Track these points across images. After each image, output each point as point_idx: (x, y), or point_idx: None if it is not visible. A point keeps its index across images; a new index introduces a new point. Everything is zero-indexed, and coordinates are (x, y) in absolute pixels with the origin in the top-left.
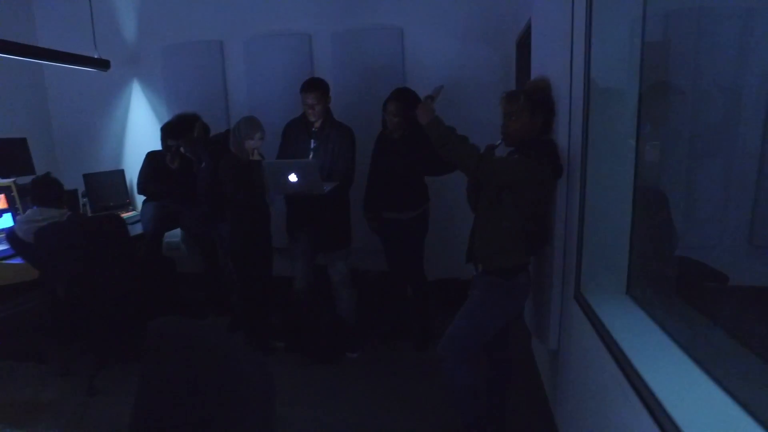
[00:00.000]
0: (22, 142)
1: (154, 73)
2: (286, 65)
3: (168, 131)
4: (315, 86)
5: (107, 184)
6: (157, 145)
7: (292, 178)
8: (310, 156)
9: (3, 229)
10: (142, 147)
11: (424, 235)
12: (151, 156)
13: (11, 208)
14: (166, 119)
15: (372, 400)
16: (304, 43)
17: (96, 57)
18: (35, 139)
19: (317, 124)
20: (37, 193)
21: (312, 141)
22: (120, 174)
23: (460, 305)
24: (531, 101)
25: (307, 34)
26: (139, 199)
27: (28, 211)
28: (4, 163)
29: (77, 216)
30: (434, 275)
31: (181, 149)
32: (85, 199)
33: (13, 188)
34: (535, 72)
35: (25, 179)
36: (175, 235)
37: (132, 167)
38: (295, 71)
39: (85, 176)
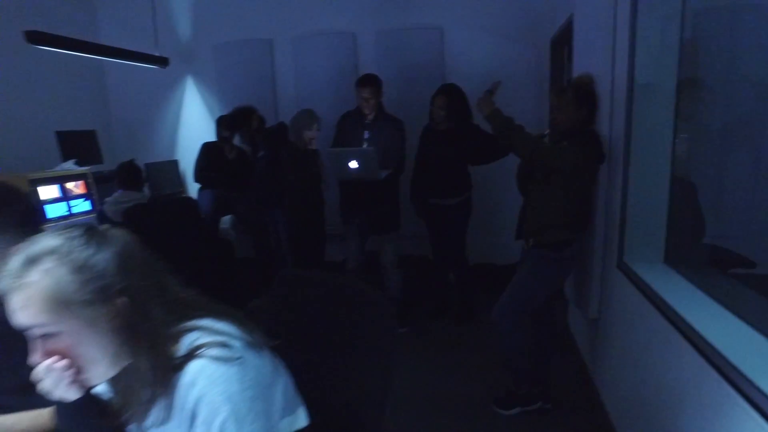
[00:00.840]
0: (92, 134)
1: (207, 70)
2: (331, 62)
3: (226, 123)
4: (370, 81)
5: (164, 173)
6: (210, 137)
7: (353, 164)
8: (364, 146)
9: (90, 211)
10: (195, 139)
11: (467, 220)
12: (206, 147)
13: (89, 194)
14: (218, 113)
15: (420, 368)
16: (348, 42)
17: (156, 55)
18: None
19: (370, 117)
20: (123, 177)
21: (365, 132)
22: (174, 164)
23: (497, 287)
24: (577, 95)
25: (352, 33)
26: (192, 187)
27: (115, 194)
28: (78, 154)
29: (158, 198)
30: (473, 260)
31: (235, 140)
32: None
33: (90, 176)
34: (578, 68)
35: (96, 168)
36: (224, 221)
37: (185, 157)
38: (340, 68)
39: (147, 165)
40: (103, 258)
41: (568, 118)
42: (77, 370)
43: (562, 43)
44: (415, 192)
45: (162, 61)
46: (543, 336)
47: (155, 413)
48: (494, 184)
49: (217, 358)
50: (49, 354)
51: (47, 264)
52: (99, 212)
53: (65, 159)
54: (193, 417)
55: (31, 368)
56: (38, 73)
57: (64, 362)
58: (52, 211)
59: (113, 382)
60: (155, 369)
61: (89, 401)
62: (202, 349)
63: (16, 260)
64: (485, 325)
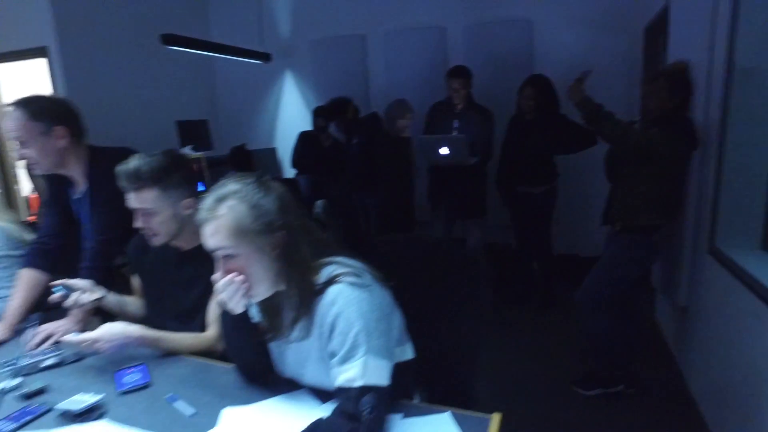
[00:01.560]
0: (205, 123)
1: (304, 65)
2: (421, 56)
3: (323, 113)
4: (461, 73)
5: (263, 159)
6: (306, 126)
7: (443, 150)
8: (454, 134)
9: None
10: (292, 128)
11: (552, 209)
12: (303, 135)
13: (201, 176)
14: (313, 105)
15: (502, 350)
16: (438, 36)
17: (261, 51)
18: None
19: (460, 107)
20: (236, 160)
21: (455, 121)
22: (272, 151)
23: (580, 278)
24: (669, 82)
25: (442, 27)
26: (289, 173)
27: (228, 176)
28: (193, 141)
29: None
30: (556, 250)
31: (330, 129)
32: None
33: (203, 160)
34: (673, 56)
35: (207, 153)
36: (315, 206)
37: (282, 145)
38: (429, 62)
39: (251, 152)
40: (269, 200)
41: (660, 104)
42: (248, 287)
43: (657, 31)
44: (501, 180)
45: (265, 57)
46: (628, 322)
47: (297, 331)
48: (580, 175)
49: (352, 284)
50: (228, 271)
51: (231, 202)
52: None
53: (183, 145)
54: (331, 329)
55: (187, 300)
56: (160, 69)
57: (241, 277)
58: None
59: (264, 304)
60: (302, 293)
61: (246, 317)
62: (340, 277)
63: (209, 199)
64: (567, 312)
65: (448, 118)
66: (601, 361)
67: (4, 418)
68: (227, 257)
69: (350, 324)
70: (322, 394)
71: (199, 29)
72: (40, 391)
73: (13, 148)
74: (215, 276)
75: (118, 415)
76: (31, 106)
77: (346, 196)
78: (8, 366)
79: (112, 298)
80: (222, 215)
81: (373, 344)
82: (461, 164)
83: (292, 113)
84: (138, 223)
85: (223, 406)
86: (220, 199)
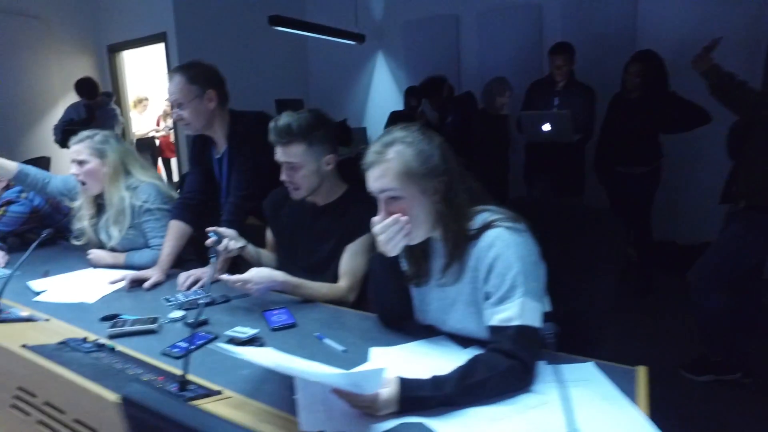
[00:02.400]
0: (300, 102)
1: (396, 46)
2: (516, 35)
3: (418, 92)
4: (564, 49)
5: (355, 138)
6: (396, 107)
7: (546, 127)
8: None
9: None
10: (382, 109)
11: (654, 191)
12: (394, 115)
13: None
14: (404, 85)
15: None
16: (534, 14)
17: (356, 32)
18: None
19: (561, 84)
20: (337, 135)
21: (555, 99)
22: (363, 130)
23: (677, 267)
24: None
25: (538, 4)
26: None
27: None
28: None
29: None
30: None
31: (422, 108)
32: None
33: None
34: None
35: None
36: None
37: (372, 125)
38: (524, 40)
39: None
40: (433, 146)
41: None
42: (409, 228)
43: None
44: (600, 159)
45: (359, 38)
46: (746, 308)
47: (447, 276)
48: (685, 156)
49: (510, 228)
50: (390, 213)
51: (399, 147)
52: None
53: None
54: (488, 271)
55: (320, 252)
56: (262, 50)
57: (405, 218)
58: None
59: (412, 250)
60: (457, 237)
61: (397, 261)
62: (496, 222)
63: (376, 144)
64: (666, 299)
65: (548, 96)
66: (714, 346)
67: (181, 340)
68: (391, 199)
69: (508, 266)
70: (463, 340)
71: (295, 11)
72: (204, 322)
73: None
74: (375, 218)
75: (274, 346)
76: (189, 71)
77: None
78: (171, 302)
79: (251, 249)
80: (390, 158)
81: (530, 286)
82: (564, 141)
83: (382, 93)
84: (283, 177)
85: (368, 347)
86: (388, 144)
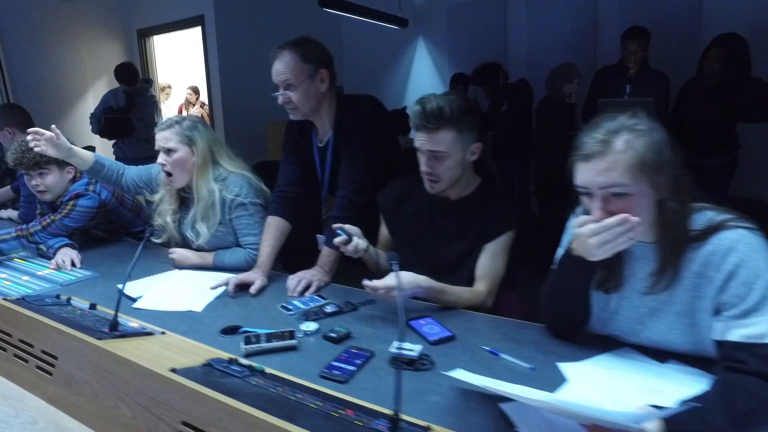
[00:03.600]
0: (340, 88)
1: (438, 31)
2: (567, 19)
3: (471, 78)
4: (639, 33)
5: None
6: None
7: None
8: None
9: None
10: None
11: (727, 184)
12: None
13: None
14: (446, 72)
15: None
16: None
17: (399, 16)
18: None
19: (633, 71)
20: (398, 123)
21: (627, 86)
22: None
23: None
24: None
25: None
26: None
27: None
28: None
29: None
30: None
31: (474, 96)
32: None
33: None
34: None
35: None
36: None
37: None
38: (577, 24)
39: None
40: (660, 136)
41: None
42: (638, 230)
43: None
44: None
45: (402, 22)
46: None
47: (659, 281)
48: (764, 146)
49: (751, 230)
50: (610, 212)
51: (627, 136)
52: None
53: None
54: (727, 279)
55: (450, 252)
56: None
57: (636, 219)
58: None
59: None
60: (679, 239)
61: (592, 265)
62: (729, 222)
63: (597, 132)
64: None
65: (619, 83)
66: None
67: (335, 360)
68: (615, 196)
69: (757, 274)
70: (656, 353)
71: None
72: (347, 336)
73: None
74: (584, 217)
75: (441, 364)
76: (302, 47)
77: (490, 160)
78: (291, 311)
79: (372, 249)
80: (620, 150)
81: None
82: None
83: (423, 81)
84: (423, 167)
85: (547, 360)
86: (614, 132)
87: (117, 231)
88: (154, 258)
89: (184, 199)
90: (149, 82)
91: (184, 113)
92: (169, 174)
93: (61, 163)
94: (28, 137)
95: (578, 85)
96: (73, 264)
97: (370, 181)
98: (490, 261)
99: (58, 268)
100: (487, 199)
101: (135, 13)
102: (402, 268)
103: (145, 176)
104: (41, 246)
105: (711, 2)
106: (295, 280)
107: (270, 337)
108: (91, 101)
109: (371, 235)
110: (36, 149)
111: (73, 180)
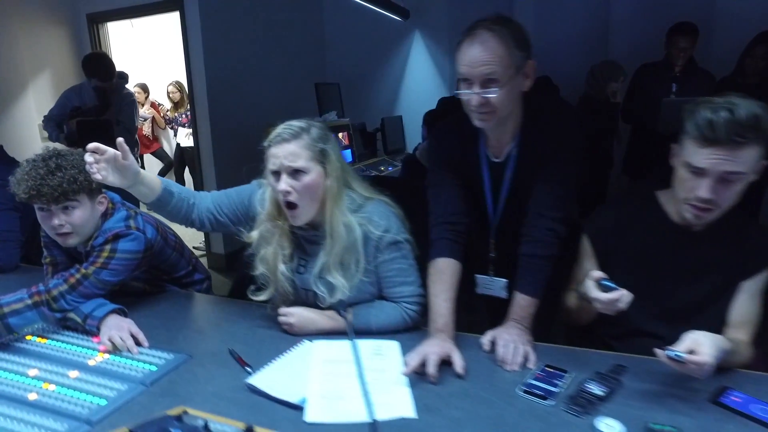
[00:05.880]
0: (337, 87)
1: (438, 24)
2: (579, 11)
3: None
4: (690, 30)
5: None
6: (436, 93)
7: None
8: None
9: (351, 163)
10: (418, 95)
11: (766, 185)
12: (444, 102)
13: (350, 145)
14: (446, 68)
15: None
16: None
17: (401, 5)
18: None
19: (678, 69)
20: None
21: (673, 85)
22: (398, 120)
23: None
24: None
25: None
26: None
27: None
28: (329, 105)
29: None
30: None
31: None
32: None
33: (351, 127)
34: None
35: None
36: None
37: (408, 114)
38: (588, 18)
39: (384, 119)
40: None
41: None
42: None
43: None
44: None
45: (404, 13)
46: None
47: None
48: None
49: None
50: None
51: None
52: (408, 157)
53: (322, 111)
54: None
55: (692, 292)
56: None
57: None
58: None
59: None
60: None
61: None
62: None
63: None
64: None
65: (663, 81)
66: None
67: None
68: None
69: None
70: None
71: None
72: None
73: None
74: None
75: None
76: (511, 28)
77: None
78: (544, 399)
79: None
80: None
81: None
82: None
83: (420, 78)
84: (702, 192)
85: None
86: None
87: (159, 278)
88: (248, 320)
89: (298, 239)
90: (124, 77)
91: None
92: (292, 206)
93: (93, 191)
94: (87, 157)
95: (623, 83)
96: (136, 342)
97: (575, 208)
98: (749, 303)
99: (114, 351)
100: (741, 226)
101: None
102: (625, 314)
103: (234, 206)
104: (71, 315)
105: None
106: (508, 349)
107: None
108: (31, 100)
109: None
110: (95, 176)
111: (105, 214)
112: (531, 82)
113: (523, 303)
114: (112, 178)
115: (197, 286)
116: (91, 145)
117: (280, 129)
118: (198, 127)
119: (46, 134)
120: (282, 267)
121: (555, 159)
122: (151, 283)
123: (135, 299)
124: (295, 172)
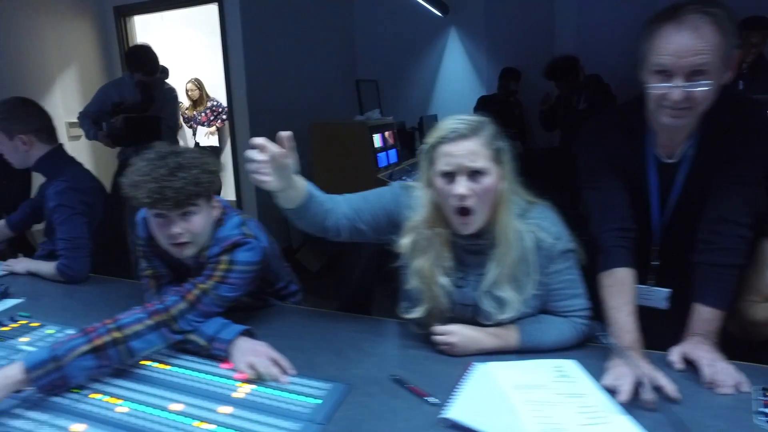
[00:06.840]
0: (375, 83)
1: (475, 22)
2: (622, 12)
3: (547, 73)
4: (763, 24)
5: (429, 127)
6: (472, 91)
7: None
8: None
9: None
10: (454, 93)
11: None
12: (484, 100)
13: (395, 144)
14: (484, 67)
15: None
16: None
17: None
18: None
19: (745, 65)
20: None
21: (740, 82)
22: (433, 119)
23: None
24: None
25: None
26: None
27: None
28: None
29: None
30: None
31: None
32: None
33: (395, 125)
34: None
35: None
36: None
37: (444, 113)
38: (634, 14)
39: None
40: None
41: None
42: None
43: None
44: None
45: (443, 9)
46: None
47: None
48: None
49: None
50: None
51: None
52: None
53: (363, 110)
54: None
55: None
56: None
57: None
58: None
59: None
60: None
61: None
62: None
63: None
64: None
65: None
66: None
67: None
68: None
69: None
70: None
71: None
72: None
73: None
74: None
75: None
76: (724, 13)
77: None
78: None
79: None
80: None
81: None
82: None
83: (455, 75)
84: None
85: None
86: None
87: (263, 290)
88: (388, 339)
89: (456, 248)
90: (165, 72)
91: None
92: (467, 211)
93: (210, 195)
94: (256, 156)
95: None
96: (281, 370)
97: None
98: None
99: (258, 380)
100: None
101: None
102: None
103: (375, 210)
104: (192, 337)
105: None
106: (715, 368)
107: None
108: (58, 97)
109: None
110: (260, 180)
111: (218, 221)
112: (733, 74)
113: (708, 316)
114: (276, 183)
115: (292, 298)
116: (259, 140)
117: (454, 123)
118: (235, 124)
119: (74, 131)
120: (441, 281)
121: (741, 158)
122: (255, 296)
123: (244, 314)
124: (474, 174)
